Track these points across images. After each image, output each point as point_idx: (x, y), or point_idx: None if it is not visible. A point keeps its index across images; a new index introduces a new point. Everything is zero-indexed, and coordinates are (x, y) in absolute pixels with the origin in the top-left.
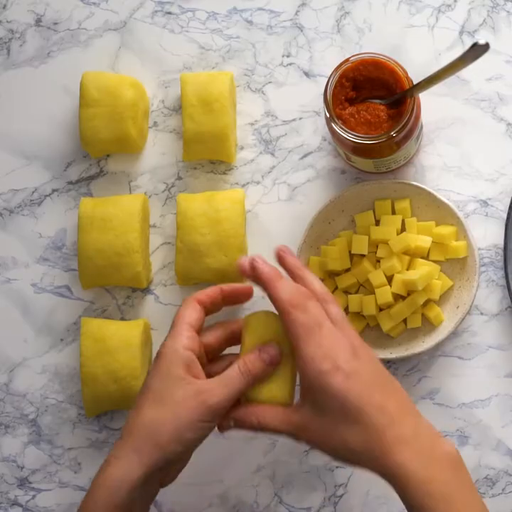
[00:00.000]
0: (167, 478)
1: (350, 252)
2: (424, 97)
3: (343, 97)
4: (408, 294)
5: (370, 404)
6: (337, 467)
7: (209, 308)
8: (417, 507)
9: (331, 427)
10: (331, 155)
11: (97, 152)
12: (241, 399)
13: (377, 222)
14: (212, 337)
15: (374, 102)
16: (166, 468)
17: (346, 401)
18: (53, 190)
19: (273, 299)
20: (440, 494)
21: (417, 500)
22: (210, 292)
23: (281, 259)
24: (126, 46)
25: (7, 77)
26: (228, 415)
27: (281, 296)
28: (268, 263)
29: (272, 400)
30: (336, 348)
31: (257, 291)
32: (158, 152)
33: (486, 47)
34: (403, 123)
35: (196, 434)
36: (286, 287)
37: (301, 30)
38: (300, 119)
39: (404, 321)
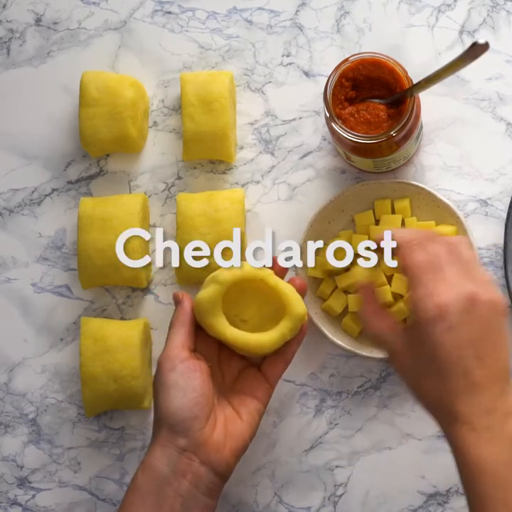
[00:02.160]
0: (220, 456)
1: None
2: (423, 97)
3: (342, 97)
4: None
5: (457, 365)
6: (337, 467)
7: None
8: (469, 483)
9: (417, 369)
10: (331, 155)
11: (96, 152)
12: None
13: (377, 222)
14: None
15: (374, 101)
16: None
17: (436, 354)
18: (53, 190)
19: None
20: (493, 475)
21: (469, 475)
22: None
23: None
24: (126, 46)
25: (7, 77)
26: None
27: (402, 236)
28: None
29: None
30: (448, 296)
31: None
32: (158, 152)
33: (485, 46)
34: (403, 122)
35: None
36: (404, 231)
37: (301, 30)
38: (300, 118)
39: (405, 320)
